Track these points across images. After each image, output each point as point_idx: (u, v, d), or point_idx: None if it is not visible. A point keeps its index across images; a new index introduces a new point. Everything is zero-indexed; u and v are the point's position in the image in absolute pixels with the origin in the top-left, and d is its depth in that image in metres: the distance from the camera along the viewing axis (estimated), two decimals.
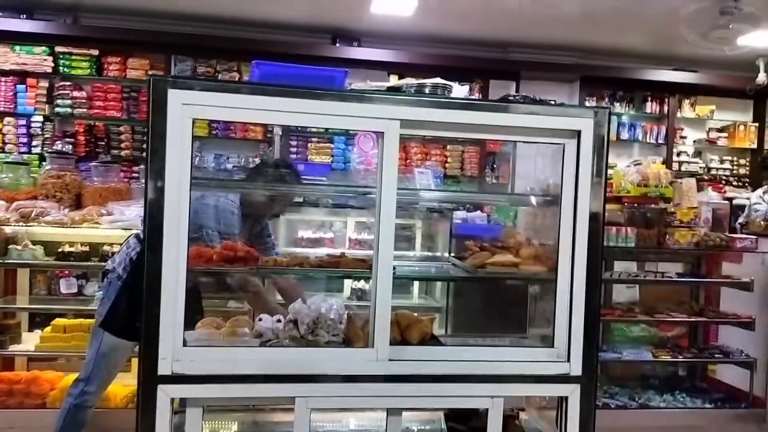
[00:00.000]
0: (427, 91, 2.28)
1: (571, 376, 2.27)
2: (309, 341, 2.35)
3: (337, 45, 6.31)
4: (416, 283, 4.42)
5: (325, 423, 2.63)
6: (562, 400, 2.30)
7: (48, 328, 3.98)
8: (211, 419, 2.60)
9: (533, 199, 2.77)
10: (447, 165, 6.28)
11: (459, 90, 2.52)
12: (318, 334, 2.38)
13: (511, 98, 2.45)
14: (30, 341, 4.01)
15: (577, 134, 2.27)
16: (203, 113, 2.12)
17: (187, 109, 2.05)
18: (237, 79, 6.03)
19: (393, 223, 2.18)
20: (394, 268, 2.24)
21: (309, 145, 6.18)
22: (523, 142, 2.67)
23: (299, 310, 2.46)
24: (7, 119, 5.92)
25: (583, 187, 2.27)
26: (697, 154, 7.21)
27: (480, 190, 5.94)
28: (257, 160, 5.84)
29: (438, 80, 2.32)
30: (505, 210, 4.19)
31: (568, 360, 2.28)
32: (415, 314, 2.54)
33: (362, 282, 4.05)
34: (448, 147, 6.37)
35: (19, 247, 3.96)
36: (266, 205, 3.18)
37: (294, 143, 6.16)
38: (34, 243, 3.98)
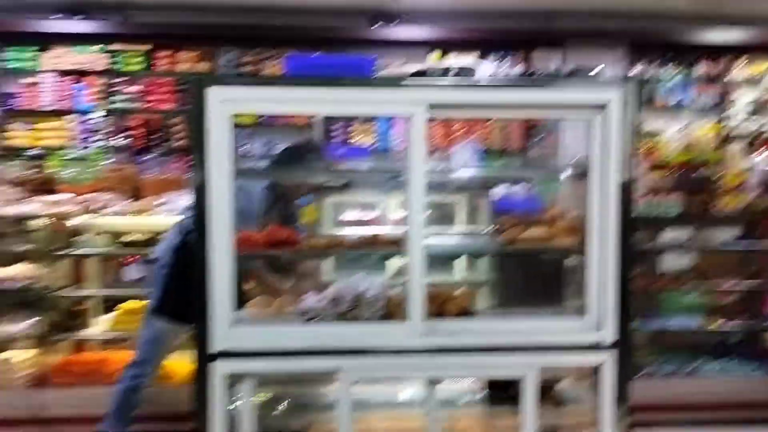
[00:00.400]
0: (451, 74, 2.35)
1: (603, 345, 2.33)
2: (350, 318, 2.49)
3: (376, 26, 6.36)
4: (461, 259, 4.49)
5: (370, 393, 2.77)
6: (596, 369, 2.37)
7: (115, 313, 4.28)
8: (264, 392, 2.78)
9: (569, 172, 2.81)
10: (490, 138, 6.28)
11: (487, 67, 2.58)
12: (359, 310, 2.52)
13: (536, 74, 2.50)
14: (100, 325, 4.32)
15: (605, 106, 2.30)
16: (241, 108, 2.26)
17: (226, 105, 2.19)
18: (280, 67, 6.19)
19: (423, 204, 2.28)
20: (426, 246, 2.34)
21: (351, 126, 6.29)
22: (551, 118, 2.70)
23: (341, 288, 2.60)
24: (69, 117, 6.27)
25: (612, 158, 2.30)
26: (752, 115, 6.95)
27: (523, 164, 5.93)
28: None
29: (461, 62, 2.38)
30: (546, 183, 4.20)
31: (601, 329, 2.34)
32: (455, 289, 2.65)
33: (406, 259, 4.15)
34: (491, 120, 6.35)
35: (85, 238, 4.27)
36: (293, 188, 3.30)
37: (336, 125, 6.29)
38: (98, 233, 4.27)
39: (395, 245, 2.52)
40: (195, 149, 2.20)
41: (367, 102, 2.23)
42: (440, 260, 4.28)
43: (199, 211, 2.21)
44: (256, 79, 2.25)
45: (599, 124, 2.30)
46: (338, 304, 2.53)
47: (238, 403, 2.30)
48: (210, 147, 2.19)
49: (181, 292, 3.20)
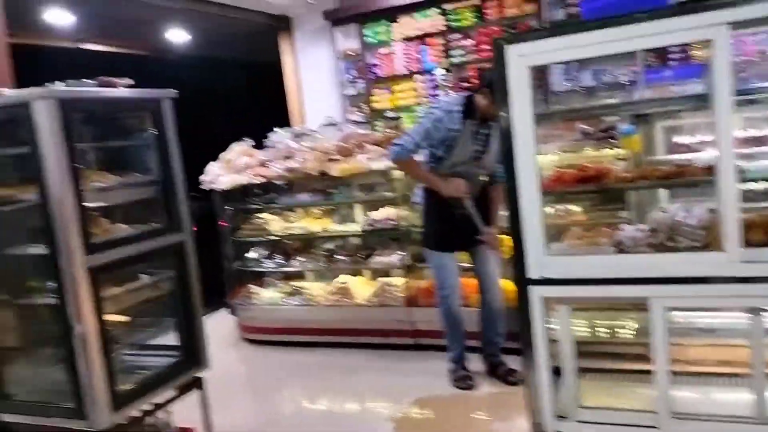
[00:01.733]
0: None
1: None
2: (668, 247, 2.51)
3: None
4: None
5: (694, 321, 2.76)
6: None
7: None
8: (583, 318, 3.00)
9: None
10: None
11: None
12: (676, 240, 2.53)
13: None
14: None
15: None
16: (535, 60, 2.44)
17: (522, 59, 2.42)
18: None
19: (730, 128, 2.17)
20: (742, 170, 2.24)
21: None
22: None
23: (657, 218, 2.64)
24: (417, 77, 7.16)
25: None
26: None
27: None
28: (632, 72, 5.75)
29: None
30: None
31: None
32: None
33: (750, 183, 3.78)
34: None
35: None
36: None
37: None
38: None
39: (707, 173, 2.44)
40: (501, 99, 2.47)
41: (660, 34, 2.19)
42: None
43: (507, 156, 2.50)
44: (545, 32, 2.38)
45: None
46: (654, 235, 2.58)
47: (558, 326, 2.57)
48: (512, 96, 2.45)
49: (435, 225, 3.92)
